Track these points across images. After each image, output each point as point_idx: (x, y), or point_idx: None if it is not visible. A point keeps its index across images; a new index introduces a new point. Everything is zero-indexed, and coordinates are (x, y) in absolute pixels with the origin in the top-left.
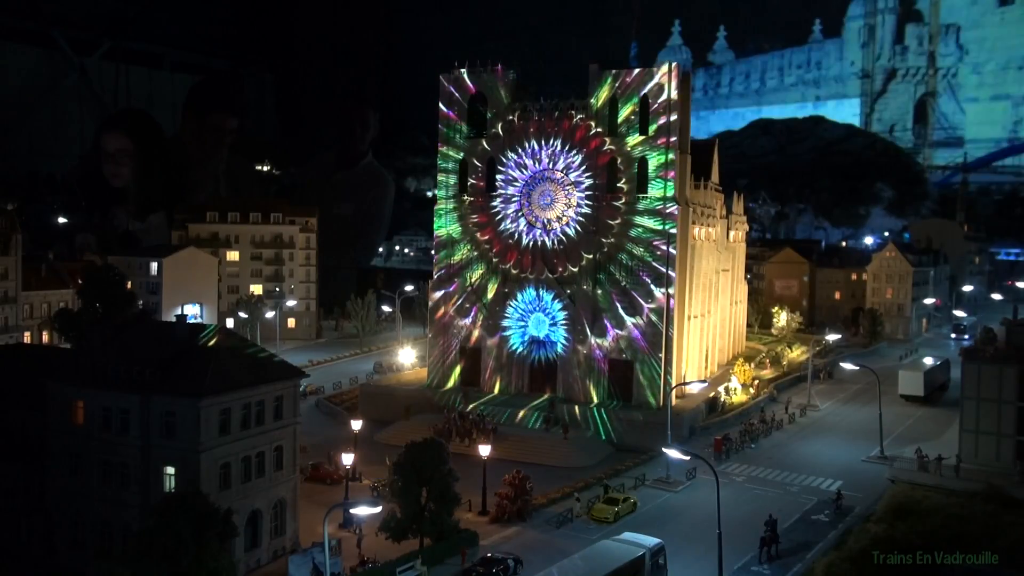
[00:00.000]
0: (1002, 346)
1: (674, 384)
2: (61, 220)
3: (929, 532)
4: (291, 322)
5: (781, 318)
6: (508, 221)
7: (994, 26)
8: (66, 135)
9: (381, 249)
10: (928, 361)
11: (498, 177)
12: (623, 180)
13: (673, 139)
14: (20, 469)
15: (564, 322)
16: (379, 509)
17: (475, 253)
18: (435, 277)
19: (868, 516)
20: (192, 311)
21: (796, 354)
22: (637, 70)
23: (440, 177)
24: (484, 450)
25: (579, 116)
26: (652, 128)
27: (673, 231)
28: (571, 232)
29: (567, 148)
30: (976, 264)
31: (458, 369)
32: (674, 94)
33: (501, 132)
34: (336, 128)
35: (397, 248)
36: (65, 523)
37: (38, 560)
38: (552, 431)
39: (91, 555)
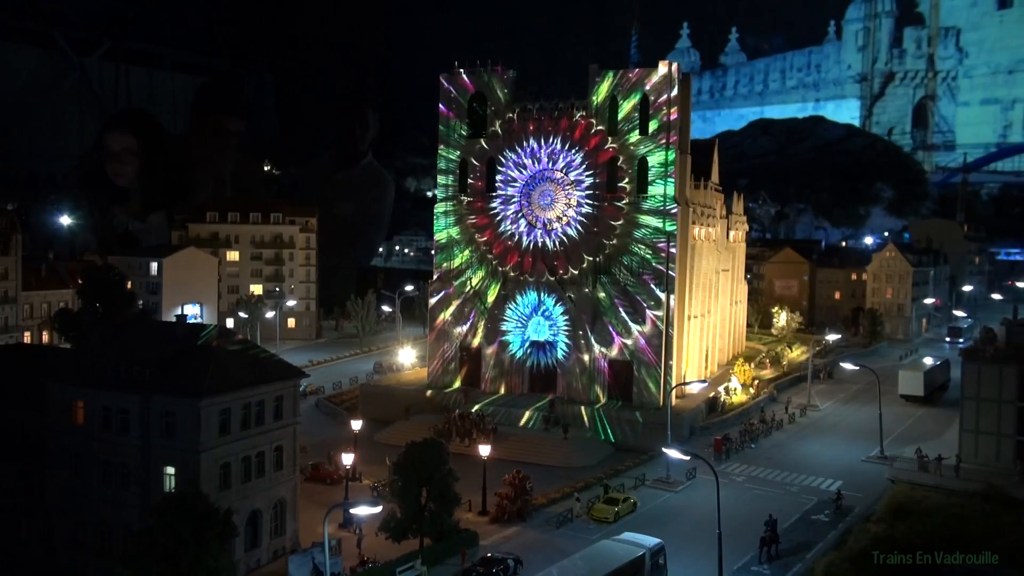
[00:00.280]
0: (1002, 346)
1: (674, 384)
2: (61, 220)
3: (929, 532)
4: (291, 322)
5: (781, 318)
6: (508, 222)
7: (993, 28)
8: (66, 135)
9: (381, 249)
10: (928, 361)
11: (498, 177)
12: (624, 180)
13: (673, 138)
14: (20, 469)
15: (565, 328)
16: (379, 509)
17: (475, 256)
18: (435, 277)
19: (868, 516)
20: (192, 311)
21: (796, 354)
22: (637, 70)
23: (440, 178)
24: (484, 450)
25: (580, 114)
26: (653, 127)
27: (673, 231)
28: (572, 232)
29: (567, 146)
30: (976, 264)
31: (458, 370)
32: (674, 94)
33: (501, 132)
34: (336, 128)
35: (397, 248)
36: (65, 523)
37: (38, 560)
38: (552, 431)
39: (91, 555)
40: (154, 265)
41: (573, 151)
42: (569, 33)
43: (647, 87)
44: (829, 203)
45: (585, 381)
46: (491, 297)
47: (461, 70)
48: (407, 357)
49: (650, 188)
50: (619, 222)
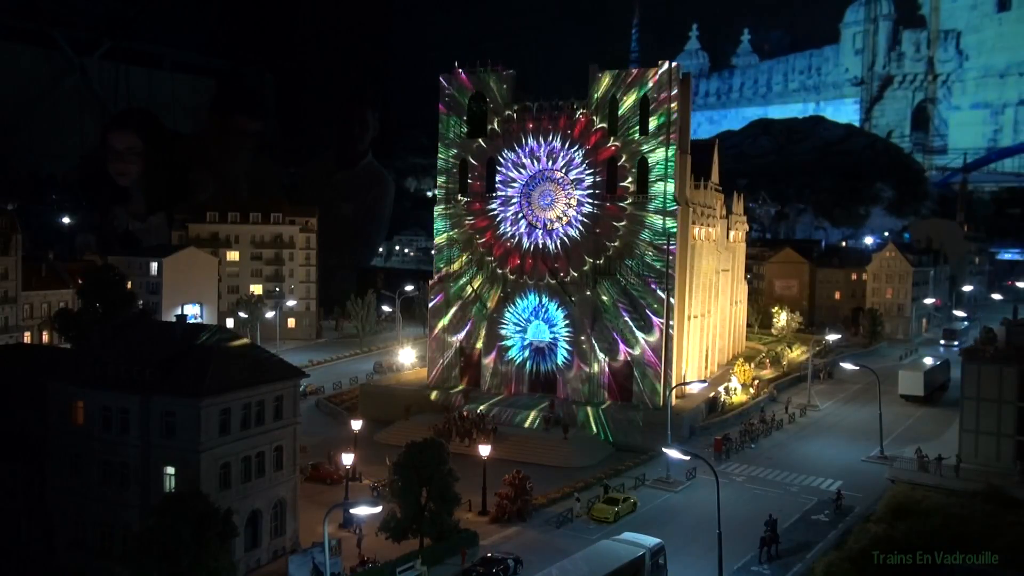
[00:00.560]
0: (1002, 346)
1: (674, 384)
2: (61, 220)
3: (929, 532)
4: (291, 322)
5: (781, 318)
6: (507, 224)
7: (991, 30)
8: (66, 135)
9: (381, 249)
10: (928, 361)
11: (498, 177)
12: (625, 179)
13: (673, 136)
14: (20, 469)
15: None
16: (379, 509)
17: (474, 260)
18: (435, 279)
19: (868, 516)
20: (192, 311)
21: (796, 354)
22: (637, 70)
23: (439, 179)
24: (484, 450)
25: (580, 111)
26: (653, 127)
27: (673, 231)
28: (574, 233)
29: (567, 144)
30: (976, 264)
31: (458, 372)
32: (674, 93)
33: (500, 132)
34: (336, 128)
35: (397, 248)
36: (65, 523)
37: (38, 560)
38: (552, 431)
39: (91, 555)
40: (154, 265)
41: (573, 149)
42: (569, 33)
43: (647, 87)
44: (829, 203)
45: (585, 384)
46: (491, 302)
47: (461, 70)
48: (407, 357)
49: (650, 188)
50: (622, 223)
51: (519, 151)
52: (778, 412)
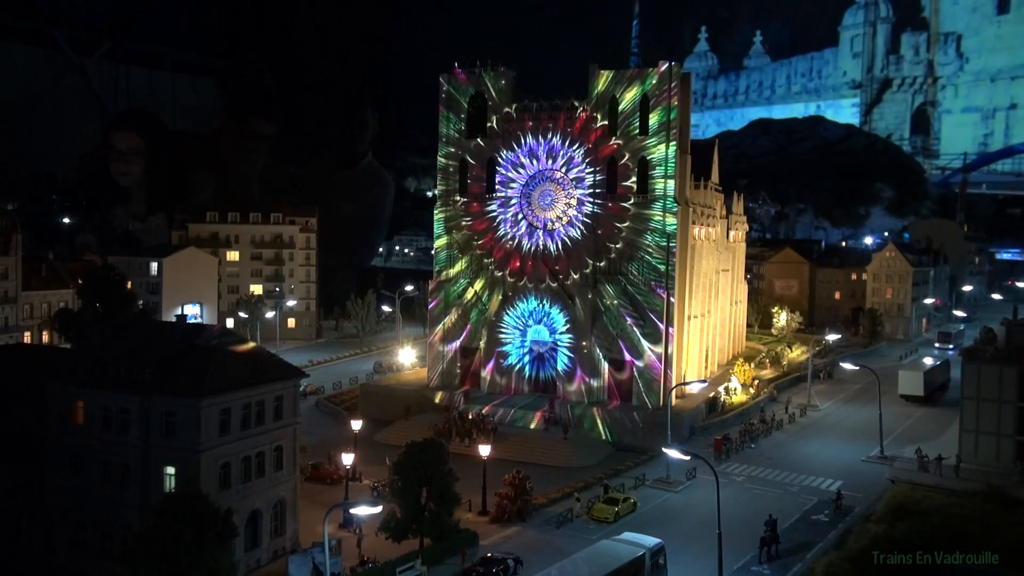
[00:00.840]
0: (1002, 346)
1: (674, 384)
2: (61, 220)
3: (929, 532)
4: (291, 322)
5: (781, 318)
6: (507, 225)
7: (990, 33)
8: (66, 135)
9: (381, 249)
10: (928, 361)
11: (497, 178)
12: (624, 179)
13: (673, 133)
14: (20, 469)
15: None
16: (379, 509)
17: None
18: (433, 283)
19: (868, 516)
20: (192, 311)
21: (796, 354)
22: (637, 70)
23: (439, 181)
24: (484, 450)
25: (581, 108)
26: (652, 127)
27: (673, 231)
28: (575, 233)
29: (567, 142)
30: (976, 264)
31: (458, 372)
32: (674, 93)
33: (501, 132)
34: (336, 128)
35: (397, 248)
36: (65, 523)
37: (38, 560)
38: (552, 431)
39: (91, 555)
40: (154, 265)
41: (573, 147)
42: (569, 33)
43: (647, 86)
44: (829, 203)
45: (587, 393)
46: (491, 305)
47: (460, 70)
48: (407, 357)
49: (650, 187)
50: (624, 223)
51: (518, 150)
52: (778, 412)
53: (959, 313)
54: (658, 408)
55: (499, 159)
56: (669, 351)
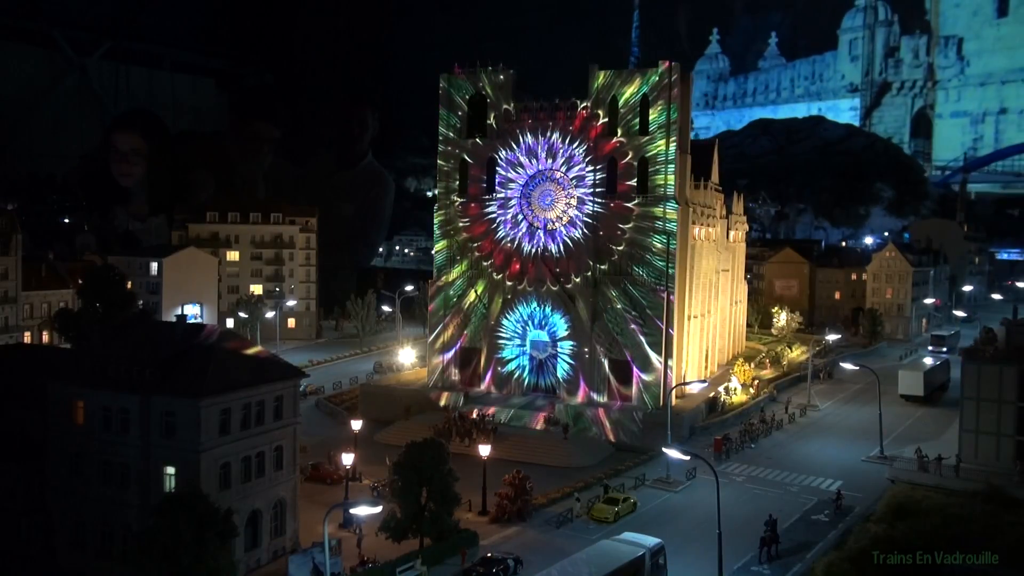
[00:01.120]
0: (1002, 346)
1: (674, 384)
2: (61, 220)
3: (929, 532)
4: (291, 322)
5: (781, 318)
6: (507, 226)
7: (990, 36)
8: (66, 135)
9: (381, 249)
10: (928, 361)
11: (497, 178)
12: (625, 178)
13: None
14: (20, 469)
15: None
16: (379, 509)
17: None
18: (432, 288)
19: (868, 516)
20: (192, 311)
21: (796, 354)
22: (637, 69)
23: (439, 183)
24: (484, 450)
25: (583, 105)
26: (652, 126)
27: (673, 230)
28: (577, 234)
29: (567, 140)
30: (976, 264)
31: (458, 373)
32: (674, 92)
33: (500, 130)
34: (336, 128)
35: (397, 248)
36: (65, 523)
37: (38, 560)
38: (552, 431)
39: (91, 555)
40: (154, 265)
41: (573, 145)
42: (569, 33)
43: (647, 86)
44: (829, 203)
45: (585, 381)
46: (489, 308)
47: (460, 70)
48: (407, 357)
49: (650, 187)
50: (628, 224)
51: (517, 149)
52: (778, 412)
53: (959, 313)
54: (658, 408)
55: (498, 159)
56: (669, 351)
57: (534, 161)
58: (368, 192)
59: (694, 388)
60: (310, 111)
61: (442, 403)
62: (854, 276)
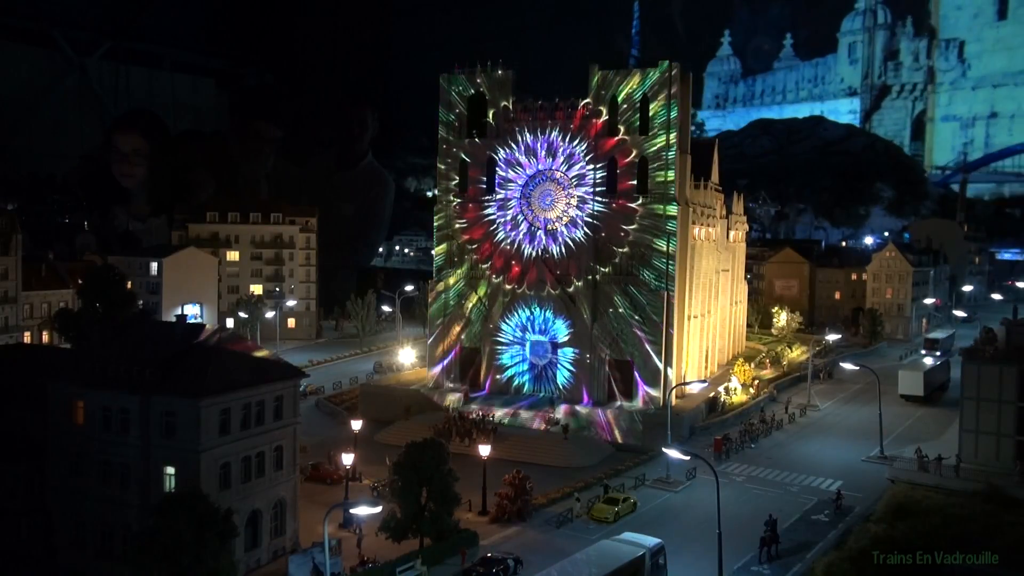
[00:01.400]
0: (1002, 346)
1: (674, 384)
2: (61, 220)
3: (929, 532)
4: (291, 322)
5: (781, 318)
6: (507, 228)
7: (990, 38)
8: (66, 135)
9: (381, 249)
10: (928, 361)
11: (497, 178)
12: (625, 177)
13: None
14: (20, 469)
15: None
16: (379, 509)
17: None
18: (432, 292)
19: (868, 516)
20: (192, 311)
21: (796, 354)
22: (637, 69)
23: (439, 184)
24: (484, 450)
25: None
26: (652, 126)
27: (673, 230)
28: (578, 235)
29: (567, 138)
30: (976, 264)
31: (457, 373)
32: (674, 92)
33: (500, 130)
34: (336, 128)
35: (397, 248)
36: (65, 523)
37: (38, 560)
38: (551, 431)
39: (91, 555)
40: (154, 265)
41: (574, 143)
42: (569, 33)
43: (647, 85)
44: (829, 203)
45: (585, 381)
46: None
47: (460, 70)
48: (407, 357)
49: (650, 187)
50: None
51: (516, 148)
52: (778, 412)
53: (959, 313)
54: (658, 408)
55: (499, 159)
56: (669, 351)
57: (533, 160)
58: (368, 192)
59: (694, 388)
60: (310, 111)
61: (446, 404)
62: (854, 276)
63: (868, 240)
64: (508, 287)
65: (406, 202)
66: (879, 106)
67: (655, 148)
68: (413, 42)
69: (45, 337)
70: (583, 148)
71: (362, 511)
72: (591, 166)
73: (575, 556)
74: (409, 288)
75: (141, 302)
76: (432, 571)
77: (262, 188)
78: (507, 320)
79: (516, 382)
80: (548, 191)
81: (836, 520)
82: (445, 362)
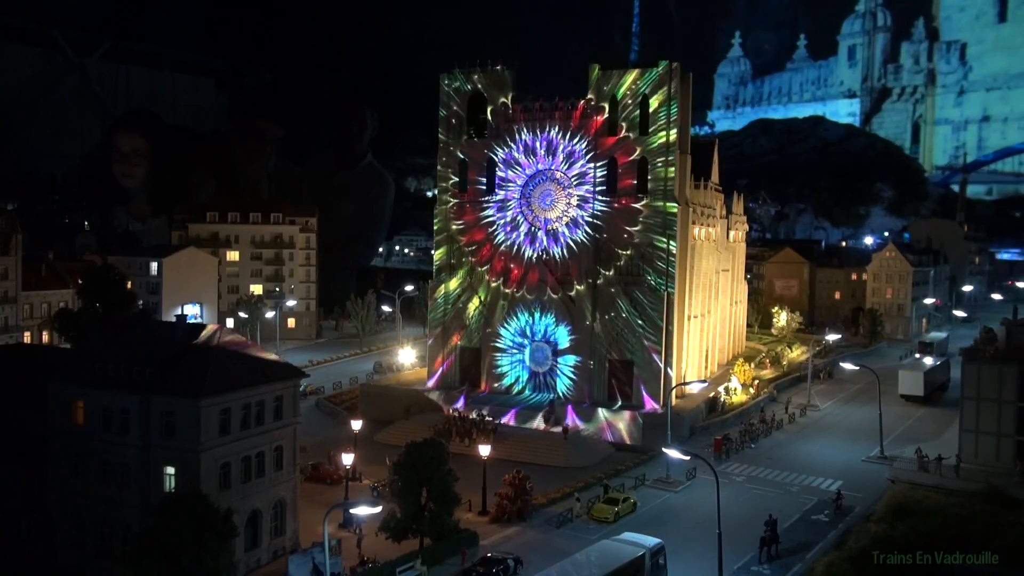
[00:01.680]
0: (1002, 346)
1: (674, 384)
2: (61, 220)
3: (929, 532)
4: (291, 322)
5: (781, 318)
6: (507, 229)
7: (990, 40)
8: (66, 135)
9: (381, 249)
10: (928, 361)
11: (496, 179)
12: (625, 177)
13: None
14: (20, 469)
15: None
16: (379, 509)
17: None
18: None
19: (868, 516)
20: (192, 311)
21: (796, 354)
22: (637, 69)
23: (440, 184)
24: (484, 450)
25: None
26: (652, 126)
27: (673, 230)
28: (579, 236)
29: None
30: (976, 264)
31: (457, 373)
32: (674, 92)
33: (501, 132)
34: (336, 128)
35: (397, 248)
36: (65, 523)
37: (38, 560)
38: (553, 431)
39: (91, 555)
40: (154, 265)
41: (573, 141)
42: (569, 33)
43: (647, 85)
44: (829, 203)
45: (585, 381)
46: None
47: (460, 69)
48: (407, 357)
49: (650, 187)
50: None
51: (515, 147)
52: (778, 412)
53: (959, 313)
54: (658, 408)
55: (499, 159)
56: (669, 351)
57: (533, 159)
58: (368, 192)
59: (694, 388)
60: (310, 111)
61: (450, 411)
62: (854, 276)
63: (868, 240)
64: (508, 291)
65: (406, 202)
66: (879, 109)
67: (655, 146)
68: (412, 42)
69: (45, 337)
70: (583, 146)
71: (362, 511)
72: (592, 165)
73: (575, 556)
74: (409, 288)
75: (141, 302)
76: (432, 571)
77: (262, 188)
78: (507, 326)
79: (516, 389)
80: (548, 191)
81: (836, 520)
82: (445, 368)
